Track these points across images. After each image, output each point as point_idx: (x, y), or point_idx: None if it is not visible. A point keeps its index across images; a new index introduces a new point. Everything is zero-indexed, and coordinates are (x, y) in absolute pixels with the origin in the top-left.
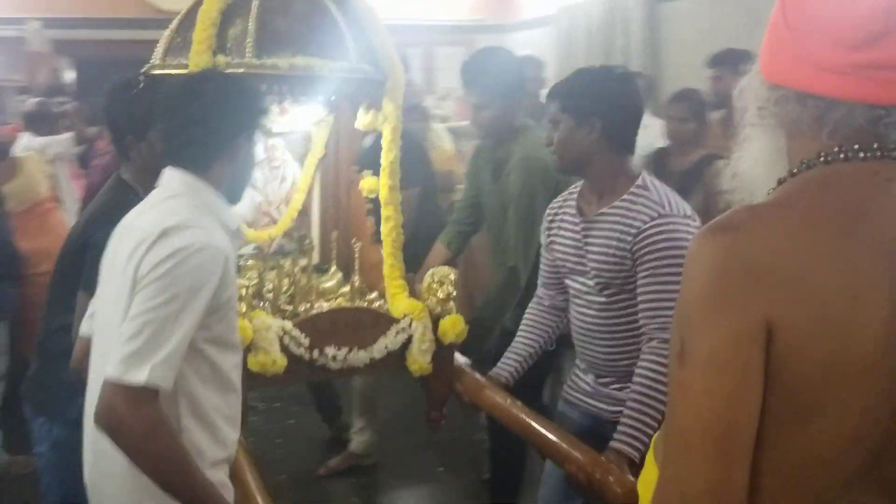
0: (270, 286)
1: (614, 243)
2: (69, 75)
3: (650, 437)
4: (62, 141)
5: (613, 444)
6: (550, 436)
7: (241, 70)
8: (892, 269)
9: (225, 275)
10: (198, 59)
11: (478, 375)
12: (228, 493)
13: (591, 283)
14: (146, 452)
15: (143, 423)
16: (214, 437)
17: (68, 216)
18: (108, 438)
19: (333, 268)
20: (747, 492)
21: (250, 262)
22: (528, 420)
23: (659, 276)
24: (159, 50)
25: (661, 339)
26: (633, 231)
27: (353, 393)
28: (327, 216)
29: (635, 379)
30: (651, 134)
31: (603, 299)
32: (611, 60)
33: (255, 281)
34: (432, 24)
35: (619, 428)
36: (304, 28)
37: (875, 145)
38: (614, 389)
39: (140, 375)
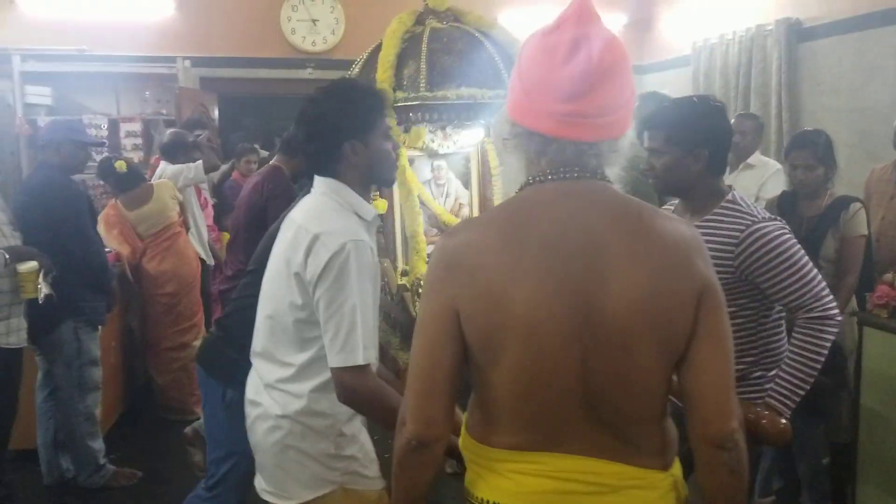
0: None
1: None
2: (214, 111)
3: (800, 396)
4: (192, 168)
5: (766, 399)
6: None
7: (416, 102)
8: (549, 255)
9: (373, 262)
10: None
11: None
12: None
13: None
14: (376, 410)
15: (373, 391)
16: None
17: (194, 241)
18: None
19: None
20: (445, 417)
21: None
22: None
23: (781, 269)
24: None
25: (810, 317)
26: (734, 242)
27: None
28: None
29: (791, 346)
30: (765, 174)
31: None
32: (748, 101)
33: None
34: None
35: (773, 386)
36: (465, 64)
37: (577, 171)
38: None
39: (359, 357)
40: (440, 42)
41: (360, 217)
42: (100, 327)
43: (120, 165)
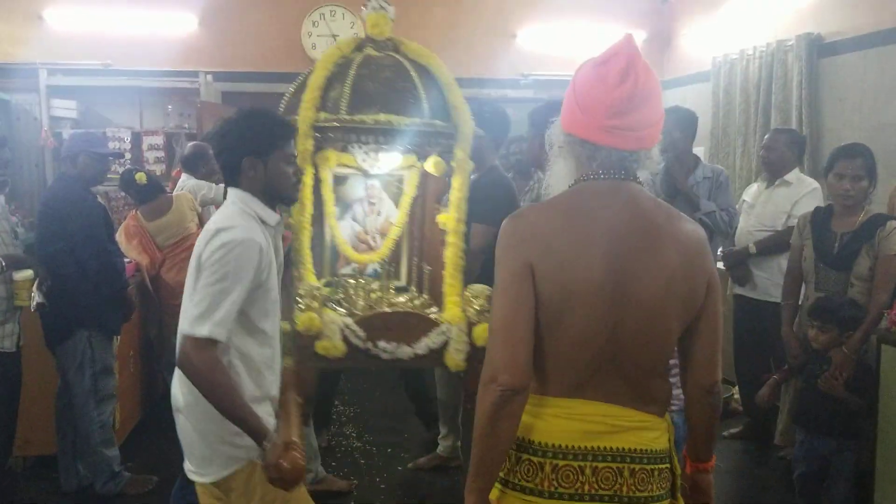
0: (349, 295)
1: None
2: None
3: None
4: (213, 189)
5: None
6: None
7: (336, 124)
8: (602, 236)
9: (260, 260)
10: (304, 114)
11: None
12: (269, 424)
13: None
14: (206, 384)
15: (205, 362)
16: (254, 379)
17: None
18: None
19: (412, 288)
20: (530, 365)
21: (346, 279)
22: None
23: None
24: (282, 106)
25: None
26: None
27: (438, 404)
28: (413, 246)
29: None
30: (801, 193)
31: None
32: (768, 117)
33: (339, 293)
34: None
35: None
36: (388, 91)
37: (622, 172)
38: None
39: (203, 330)
40: (368, 69)
41: (263, 221)
42: (116, 337)
43: (140, 177)
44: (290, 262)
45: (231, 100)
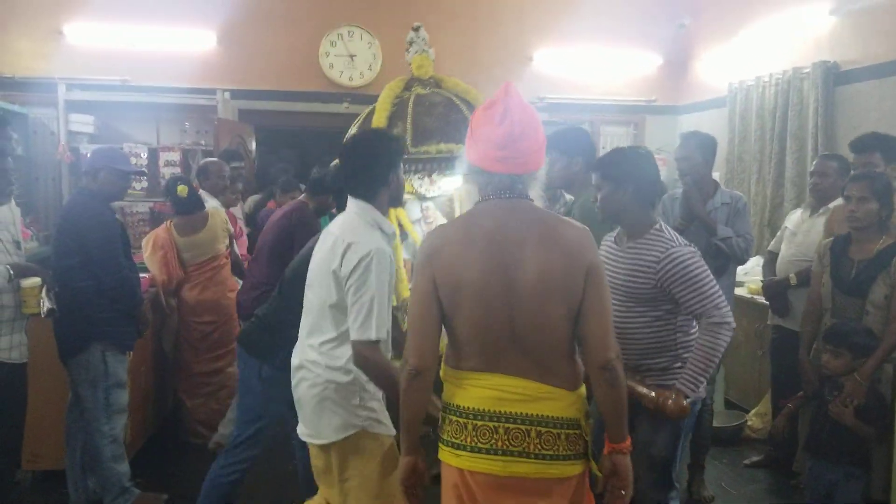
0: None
1: (639, 270)
2: (251, 142)
3: (702, 384)
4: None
5: (676, 385)
6: (633, 384)
7: (404, 156)
8: (482, 241)
9: (391, 266)
10: None
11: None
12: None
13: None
14: (382, 377)
15: (380, 360)
16: None
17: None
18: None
19: None
20: (433, 352)
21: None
22: None
23: (688, 285)
24: None
25: (710, 322)
26: (655, 261)
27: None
28: None
29: (696, 343)
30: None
31: (623, 309)
32: (784, 144)
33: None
34: (602, 103)
35: (681, 374)
36: (443, 124)
37: (512, 192)
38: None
39: (372, 334)
40: (423, 106)
41: (382, 231)
42: (129, 352)
43: (181, 190)
44: None
45: (248, 117)
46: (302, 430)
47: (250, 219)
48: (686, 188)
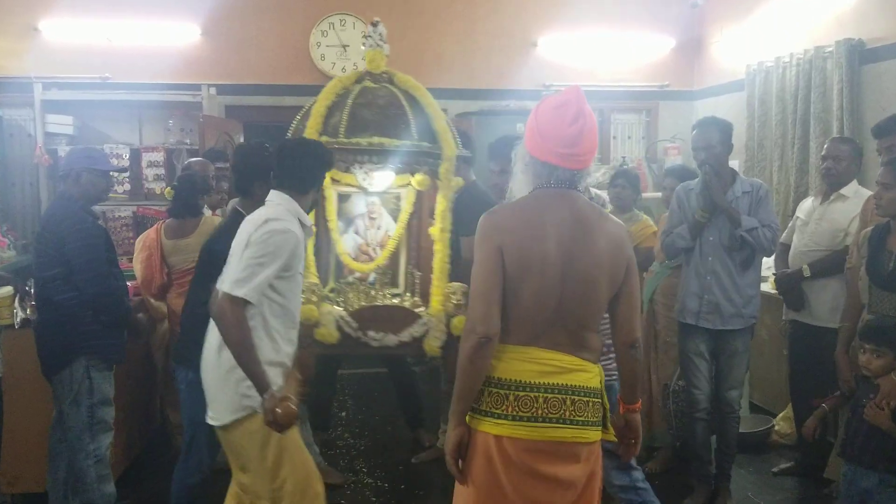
0: (345, 299)
1: None
2: (239, 140)
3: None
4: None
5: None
6: None
7: (336, 146)
8: (551, 228)
9: (295, 249)
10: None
11: None
12: (275, 386)
13: None
14: (234, 335)
15: (235, 316)
16: (272, 345)
17: None
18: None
19: (408, 294)
20: (499, 320)
21: (347, 286)
22: None
23: None
24: (289, 133)
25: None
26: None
27: (440, 400)
28: (410, 256)
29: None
30: (860, 208)
31: None
32: (807, 127)
33: (341, 297)
34: (611, 90)
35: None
36: (381, 117)
37: (569, 185)
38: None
39: (240, 291)
40: (365, 98)
41: (302, 223)
42: (114, 366)
43: (167, 192)
44: None
45: (235, 114)
46: (208, 415)
47: None
48: (706, 178)
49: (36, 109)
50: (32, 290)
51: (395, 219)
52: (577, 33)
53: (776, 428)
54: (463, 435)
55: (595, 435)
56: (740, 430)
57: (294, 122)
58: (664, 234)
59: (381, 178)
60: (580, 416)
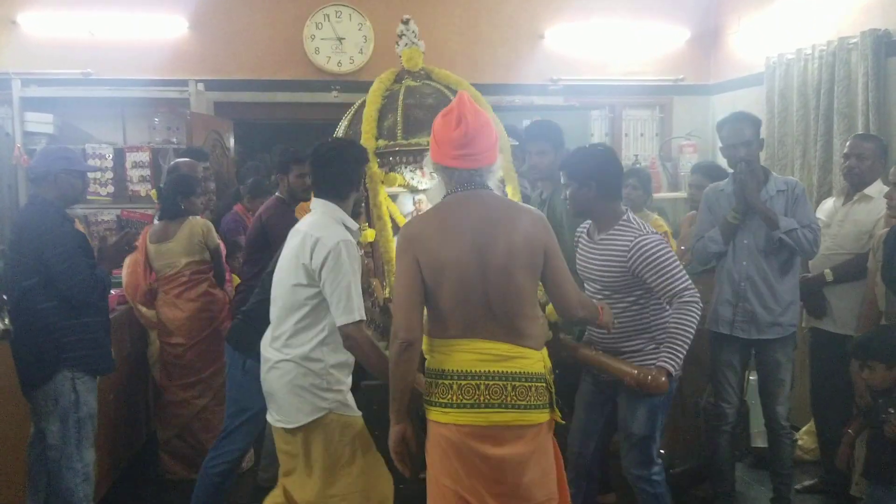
0: None
1: (611, 259)
2: (229, 139)
3: (680, 358)
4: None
5: (658, 362)
6: (617, 363)
7: (396, 148)
8: (460, 228)
9: (356, 250)
10: (367, 143)
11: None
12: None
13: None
14: (371, 354)
15: (366, 339)
16: (342, 350)
17: None
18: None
19: None
20: (419, 326)
21: None
22: (604, 359)
23: (655, 270)
24: (340, 134)
25: (681, 300)
26: (625, 250)
27: None
28: None
29: (671, 321)
30: (884, 208)
31: (599, 297)
32: (830, 123)
33: None
34: (623, 83)
35: (662, 353)
36: (433, 115)
37: (472, 184)
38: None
39: (356, 315)
40: (413, 98)
41: (347, 227)
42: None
43: (153, 193)
44: None
45: (224, 111)
46: (273, 417)
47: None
48: (739, 177)
49: (14, 107)
50: (5, 299)
51: None
52: (586, 25)
53: (799, 443)
54: (404, 431)
55: (539, 417)
56: (758, 445)
57: (342, 126)
58: (695, 238)
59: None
60: (522, 401)
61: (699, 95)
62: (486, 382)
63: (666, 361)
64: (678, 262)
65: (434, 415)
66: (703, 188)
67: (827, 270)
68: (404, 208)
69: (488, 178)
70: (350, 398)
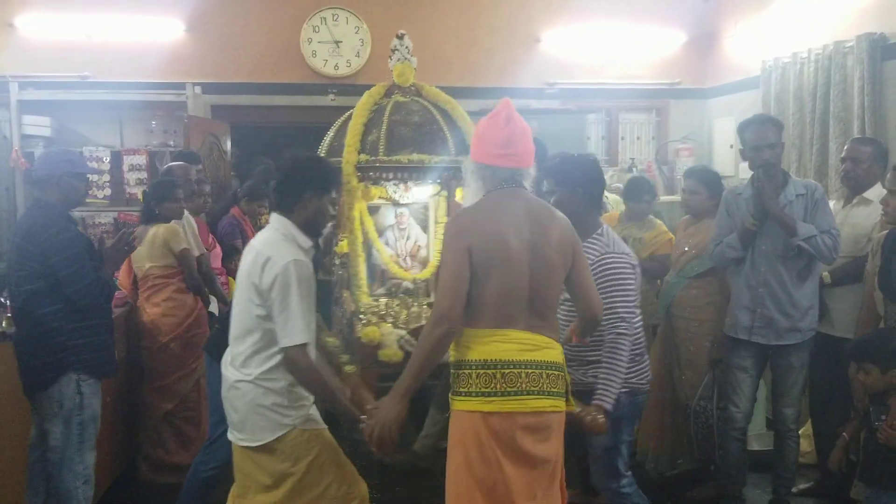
0: (392, 311)
1: None
2: (226, 142)
3: (616, 393)
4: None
5: (594, 400)
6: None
7: (377, 164)
8: (510, 223)
9: (310, 274)
10: (348, 157)
11: None
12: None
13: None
14: (311, 379)
15: (307, 363)
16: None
17: None
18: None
19: None
20: (462, 313)
21: (382, 299)
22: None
23: (608, 289)
24: (323, 149)
25: (616, 330)
26: (592, 263)
27: (431, 403)
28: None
29: (604, 357)
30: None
31: (564, 307)
32: (826, 127)
33: (383, 309)
34: (619, 87)
35: (598, 390)
36: (418, 134)
37: (514, 183)
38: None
39: (300, 338)
40: (400, 114)
41: (297, 244)
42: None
43: (140, 198)
44: None
45: (222, 114)
46: (235, 436)
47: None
48: (758, 182)
49: (12, 110)
50: (8, 303)
51: (424, 228)
52: (582, 28)
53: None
54: (405, 410)
55: (563, 405)
56: (758, 448)
57: (328, 136)
58: (713, 243)
59: (416, 192)
60: (554, 388)
61: (695, 99)
62: (527, 371)
63: (602, 400)
64: (633, 291)
65: (475, 404)
66: (697, 193)
67: (825, 273)
68: (385, 220)
69: (524, 179)
70: (314, 411)
